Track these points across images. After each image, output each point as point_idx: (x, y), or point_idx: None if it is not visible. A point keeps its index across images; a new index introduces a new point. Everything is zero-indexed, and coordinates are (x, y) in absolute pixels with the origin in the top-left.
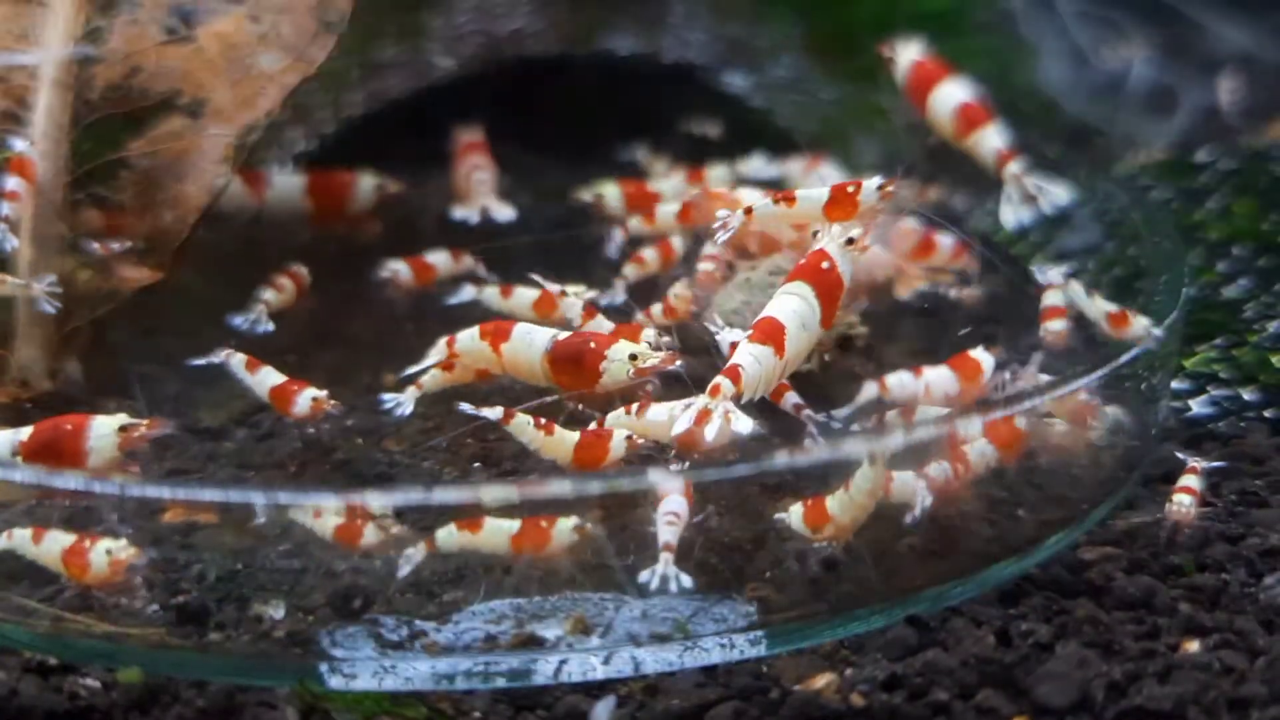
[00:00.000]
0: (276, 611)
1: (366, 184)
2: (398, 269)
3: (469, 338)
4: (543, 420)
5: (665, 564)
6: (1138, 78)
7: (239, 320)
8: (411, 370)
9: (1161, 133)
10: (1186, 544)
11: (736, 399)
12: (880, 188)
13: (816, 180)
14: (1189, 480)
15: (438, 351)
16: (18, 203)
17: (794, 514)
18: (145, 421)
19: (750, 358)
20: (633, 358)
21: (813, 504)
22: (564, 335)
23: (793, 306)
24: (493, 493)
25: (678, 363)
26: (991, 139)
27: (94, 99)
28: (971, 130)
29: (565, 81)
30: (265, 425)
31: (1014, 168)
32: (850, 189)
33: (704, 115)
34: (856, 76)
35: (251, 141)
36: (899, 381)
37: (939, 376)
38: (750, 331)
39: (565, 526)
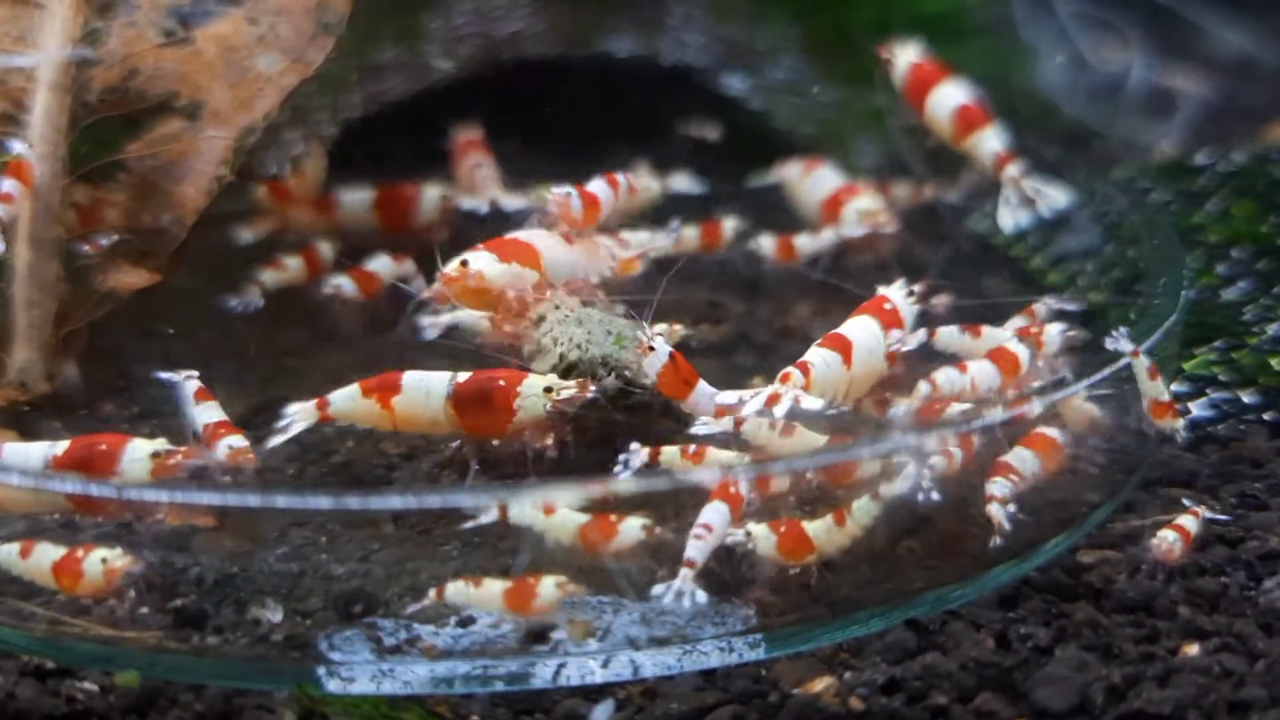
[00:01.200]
0: (274, 615)
1: (431, 195)
2: (340, 284)
3: (348, 397)
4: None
5: (683, 579)
6: (1136, 80)
7: (234, 303)
8: (280, 437)
9: (1159, 135)
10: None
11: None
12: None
13: (815, 183)
14: (1186, 521)
15: (306, 415)
16: (11, 205)
17: (761, 538)
18: (182, 449)
19: (821, 359)
20: (548, 390)
21: (789, 529)
22: (461, 376)
23: (860, 329)
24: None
25: (592, 389)
26: (990, 141)
27: (92, 101)
28: (970, 132)
29: (564, 84)
30: (263, 428)
31: (1012, 171)
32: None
33: (702, 117)
34: (855, 78)
35: (250, 144)
36: (947, 378)
37: (982, 371)
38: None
39: (634, 524)
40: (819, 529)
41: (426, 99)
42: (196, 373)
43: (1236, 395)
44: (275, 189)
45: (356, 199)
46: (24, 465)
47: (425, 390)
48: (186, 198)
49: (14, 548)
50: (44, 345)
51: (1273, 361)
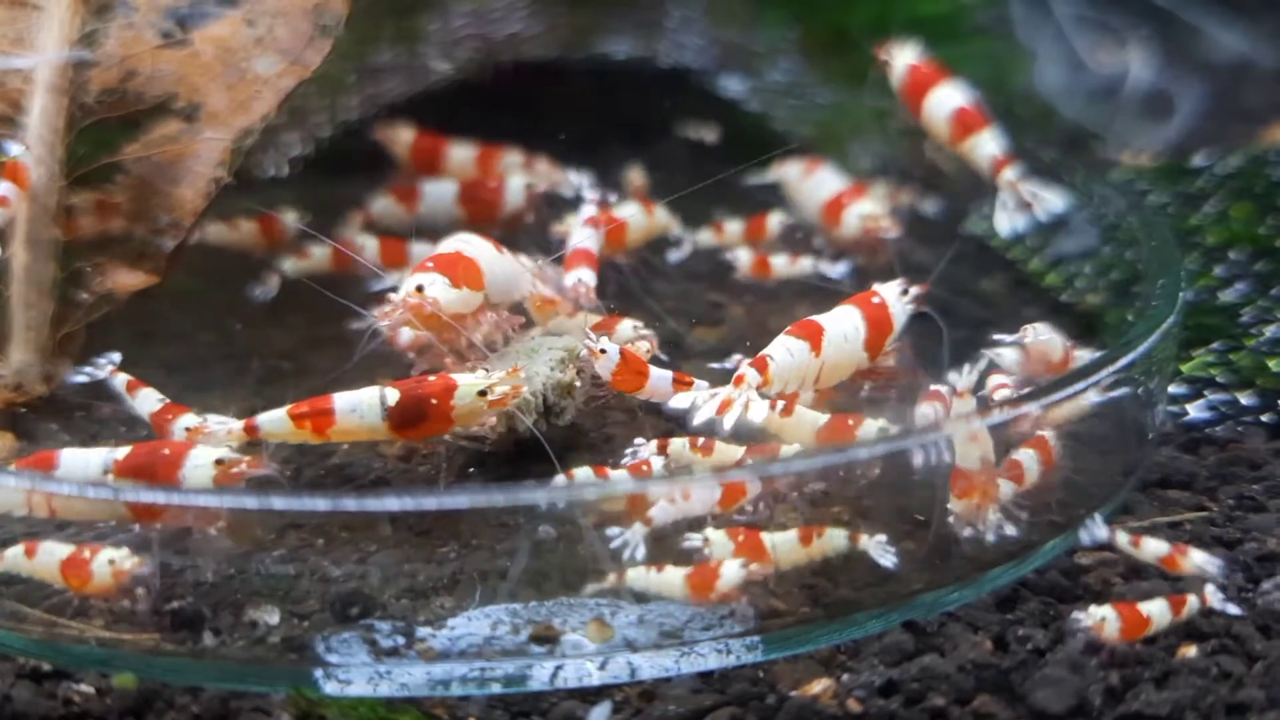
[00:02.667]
0: (271, 617)
1: (516, 185)
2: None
3: (278, 421)
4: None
5: (634, 532)
6: (1133, 82)
7: (256, 291)
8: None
9: (1157, 136)
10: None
11: (764, 390)
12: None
13: (816, 185)
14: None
15: (235, 435)
16: (8, 208)
17: (719, 544)
18: (246, 459)
19: (783, 349)
20: (481, 393)
21: (747, 539)
22: (390, 393)
23: (837, 317)
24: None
25: (525, 390)
26: (987, 145)
27: (89, 103)
28: (967, 135)
29: (561, 85)
30: None
31: (1009, 174)
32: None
33: (700, 119)
34: (853, 80)
35: (247, 145)
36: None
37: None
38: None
39: (734, 566)
40: (780, 542)
41: (424, 101)
42: (117, 358)
43: (1234, 397)
44: None
45: (440, 190)
46: (84, 472)
47: (358, 413)
48: (184, 199)
49: (19, 549)
50: (41, 347)
51: (1270, 363)
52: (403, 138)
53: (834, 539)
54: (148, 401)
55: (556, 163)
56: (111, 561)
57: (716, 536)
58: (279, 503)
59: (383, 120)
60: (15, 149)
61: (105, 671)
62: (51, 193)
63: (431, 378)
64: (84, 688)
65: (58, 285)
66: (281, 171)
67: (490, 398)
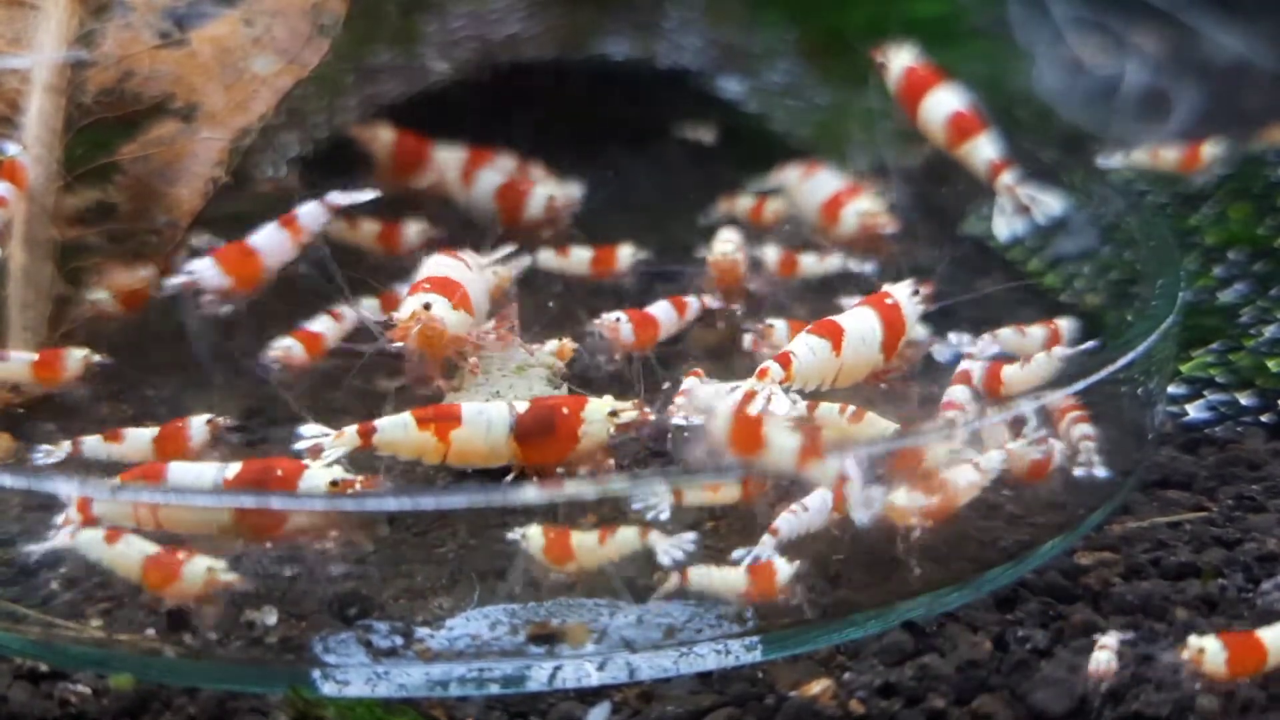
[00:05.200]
0: (269, 618)
1: (539, 194)
2: (288, 346)
3: (400, 426)
4: None
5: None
6: (1131, 83)
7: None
8: (326, 459)
9: (1155, 137)
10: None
11: (785, 385)
12: None
13: (815, 186)
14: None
15: (347, 440)
16: (6, 208)
17: (533, 539)
18: (360, 478)
19: (805, 347)
20: (612, 414)
21: (557, 536)
22: (521, 407)
23: (855, 318)
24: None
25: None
26: (984, 149)
27: (87, 103)
28: (964, 140)
29: (560, 87)
30: (259, 430)
31: (1007, 178)
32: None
33: (698, 120)
34: (850, 81)
35: (245, 145)
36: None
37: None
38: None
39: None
40: (582, 541)
41: (423, 101)
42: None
43: (1234, 397)
44: None
45: (489, 178)
46: (196, 486)
47: (486, 424)
48: (181, 199)
49: (99, 533)
50: (39, 348)
51: (1270, 363)
52: (382, 138)
53: (624, 538)
54: (138, 442)
55: (550, 169)
56: (210, 570)
57: (533, 531)
58: (277, 502)
59: (362, 123)
60: (13, 149)
61: (102, 672)
62: (49, 193)
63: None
64: (81, 688)
65: (55, 285)
66: (279, 172)
67: (618, 420)
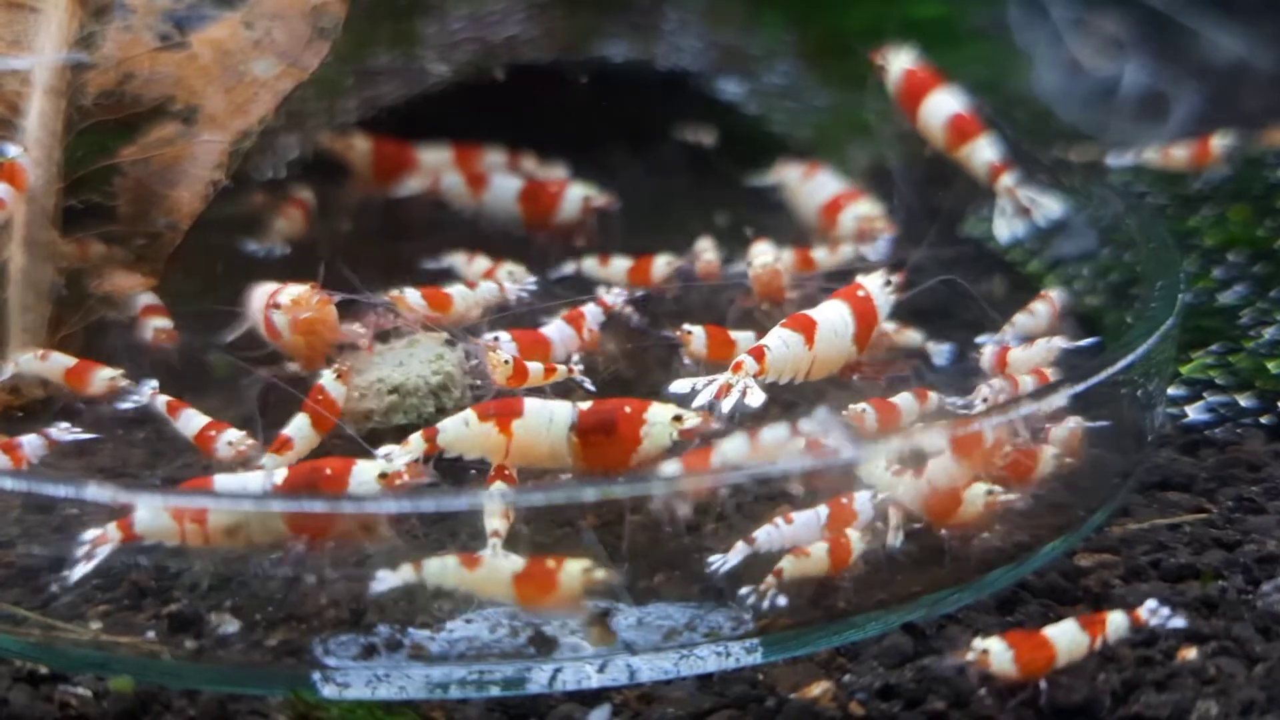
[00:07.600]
0: (229, 626)
1: (574, 195)
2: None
3: (460, 424)
4: None
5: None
6: (1130, 84)
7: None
8: (393, 463)
9: (1154, 138)
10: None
11: (760, 378)
12: None
13: (815, 188)
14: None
15: (414, 447)
16: (5, 210)
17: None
18: (406, 469)
19: (779, 340)
20: (676, 419)
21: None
22: (583, 405)
23: (827, 311)
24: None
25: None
26: (984, 151)
27: (87, 105)
28: (963, 142)
29: (559, 88)
30: (259, 431)
31: (1007, 181)
32: None
33: (698, 122)
34: (850, 83)
35: (245, 148)
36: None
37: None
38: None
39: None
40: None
41: (422, 104)
42: (155, 384)
43: (1233, 399)
44: None
45: (507, 184)
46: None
47: (548, 419)
48: (181, 202)
49: (451, 559)
50: (38, 349)
51: (1269, 365)
52: (359, 147)
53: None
54: (192, 422)
55: (542, 160)
56: (584, 570)
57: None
58: (276, 504)
59: (335, 132)
60: (13, 151)
61: (102, 675)
62: (49, 195)
63: None
64: (81, 691)
65: (54, 287)
66: (279, 174)
67: (682, 426)
